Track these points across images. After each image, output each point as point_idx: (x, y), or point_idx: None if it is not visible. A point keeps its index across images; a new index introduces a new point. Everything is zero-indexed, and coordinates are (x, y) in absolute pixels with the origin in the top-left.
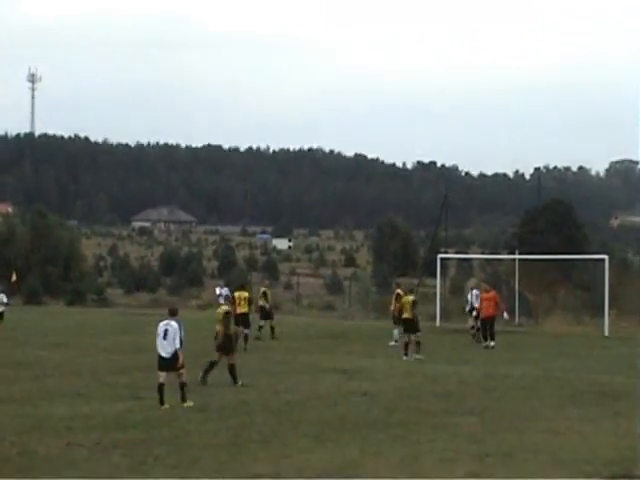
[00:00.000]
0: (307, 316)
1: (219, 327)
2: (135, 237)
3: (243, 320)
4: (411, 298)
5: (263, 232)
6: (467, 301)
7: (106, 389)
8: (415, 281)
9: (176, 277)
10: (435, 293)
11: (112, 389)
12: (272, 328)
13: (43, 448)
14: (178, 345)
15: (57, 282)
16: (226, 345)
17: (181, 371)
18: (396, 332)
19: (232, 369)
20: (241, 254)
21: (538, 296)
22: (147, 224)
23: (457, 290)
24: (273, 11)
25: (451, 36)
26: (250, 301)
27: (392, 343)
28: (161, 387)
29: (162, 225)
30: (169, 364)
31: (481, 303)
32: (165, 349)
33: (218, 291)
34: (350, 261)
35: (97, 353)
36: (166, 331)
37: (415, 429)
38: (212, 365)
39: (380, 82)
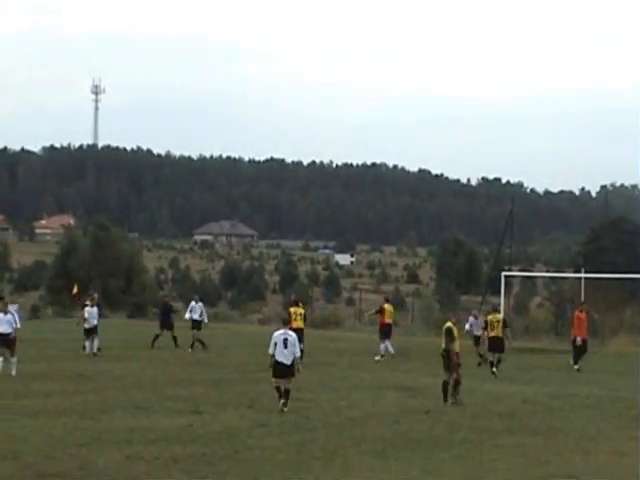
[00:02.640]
0: (369, 332)
1: (444, 344)
2: (197, 250)
3: (298, 335)
4: (500, 316)
5: (325, 247)
6: (468, 330)
7: (166, 402)
8: (478, 299)
9: (237, 291)
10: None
11: (172, 402)
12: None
13: (102, 461)
14: (298, 353)
15: (118, 295)
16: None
17: (292, 378)
18: (382, 347)
19: (456, 385)
20: (303, 269)
21: (604, 315)
22: (209, 237)
23: (521, 308)
24: (333, 28)
25: (515, 50)
26: (305, 317)
27: (377, 358)
28: (279, 389)
29: (224, 239)
30: (287, 372)
31: (580, 324)
32: (286, 357)
33: (191, 306)
34: (413, 277)
35: (157, 366)
36: (286, 340)
37: (478, 448)
38: (445, 384)
39: (446, 98)
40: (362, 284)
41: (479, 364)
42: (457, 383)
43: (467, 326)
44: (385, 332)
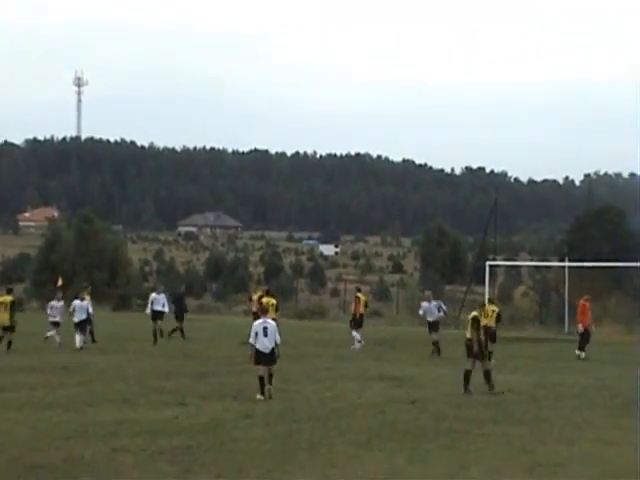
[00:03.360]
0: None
1: (469, 334)
2: (181, 242)
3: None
4: (495, 309)
5: (310, 238)
6: (421, 315)
7: (152, 395)
8: (463, 288)
9: (222, 283)
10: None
11: (158, 395)
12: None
13: (89, 454)
14: (279, 341)
15: (103, 287)
16: (478, 352)
17: (274, 366)
18: (356, 335)
19: (487, 375)
20: (287, 260)
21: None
22: (193, 229)
23: (506, 297)
24: (316, 17)
25: (499, 38)
26: (277, 307)
27: (355, 346)
28: (262, 379)
29: (208, 230)
30: (269, 359)
31: (584, 312)
32: (267, 345)
33: (152, 297)
34: (397, 268)
35: (143, 358)
36: (265, 328)
37: (464, 438)
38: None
39: (430, 87)
40: (347, 274)
41: (432, 352)
42: (487, 372)
43: (420, 311)
44: (358, 322)
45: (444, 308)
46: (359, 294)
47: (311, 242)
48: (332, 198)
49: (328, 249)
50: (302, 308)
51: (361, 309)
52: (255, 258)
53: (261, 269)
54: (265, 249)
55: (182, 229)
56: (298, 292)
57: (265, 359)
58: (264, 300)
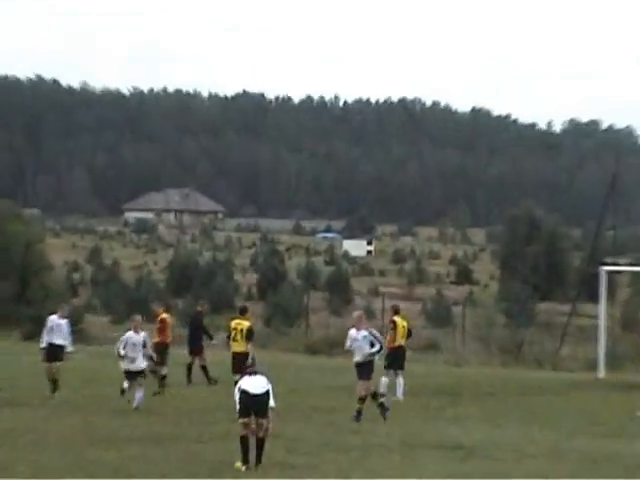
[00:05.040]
0: None
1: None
2: (129, 236)
3: (237, 363)
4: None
5: (328, 230)
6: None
7: (88, 467)
8: (566, 307)
9: (192, 298)
10: (597, 326)
11: (94, 468)
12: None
13: None
14: (273, 403)
15: (8, 305)
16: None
17: (266, 421)
18: (385, 381)
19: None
20: (294, 263)
21: None
22: (148, 215)
23: (632, 322)
24: None
25: None
26: (250, 333)
27: (398, 396)
28: (246, 441)
29: (171, 217)
30: (260, 405)
31: None
32: (256, 385)
33: (50, 323)
34: (464, 276)
35: (71, 414)
36: (255, 373)
37: None
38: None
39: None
40: (385, 286)
41: (381, 413)
42: None
43: (347, 343)
44: (395, 358)
45: (379, 339)
46: (396, 317)
47: (330, 236)
48: (362, 168)
49: (357, 247)
50: (316, 338)
51: (399, 340)
52: (244, 260)
53: (253, 277)
54: (260, 246)
55: (131, 215)
56: (310, 313)
57: (254, 405)
58: (232, 324)
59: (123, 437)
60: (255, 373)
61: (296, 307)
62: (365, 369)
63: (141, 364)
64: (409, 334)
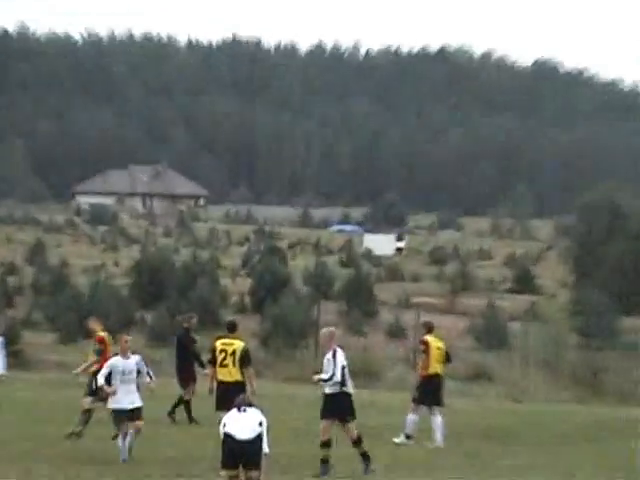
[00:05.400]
0: None
1: None
2: (82, 227)
3: (224, 397)
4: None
5: (345, 221)
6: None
7: None
8: None
9: (165, 312)
10: None
11: None
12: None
13: None
14: (267, 449)
15: None
16: None
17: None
18: (412, 419)
19: None
20: (299, 264)
21: None
22: (107, 201)
23: None
24: None
25: None
26: (246, 358)
27: (399, 440)
28: None
29: (138, 203)
30: (248, 454)
31: None
32: (245, 429)
33: None
34: (524, 281)
35: (4, 463)
36: (245, 409)
37: None
38: None
39: None
40: (421, 295)
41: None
42: None
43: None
44: (429, 391)
45: (332, 363)
46: (429, 336)
47: (348, 229)
48: (390, 140)
49: (382, 243)
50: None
51: (434, 366)
52: (234, 260)
53: (245, 283)
54: (254, 242)
55: (84, 200)
56: (320, 329)
57: (242, 454)
58: (217, 345)
59: None
60: (245, 409)
61: (302, 322)
62: (329, 404)
63: (136, 400)
64: (447, 359)
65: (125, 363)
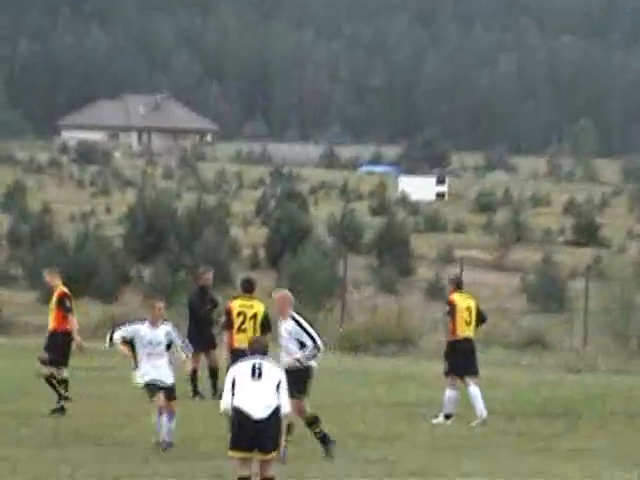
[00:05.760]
0: (485, 365)
1: None
2: (68, 167)
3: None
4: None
5: (376, 161)
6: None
7: None
8: None
9: (164, 264)
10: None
11: None
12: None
13: None
14: (286, 409)
15: None
16: None
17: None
18: (450, 395)
19: None
20: (323, 212)
21: None
22: (97, 136)
23: None
24: None
25: None
26: (267, 323)
27: (437, 420)
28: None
29: (133, 139)
30: (262, 436)
31: None
32: (255, 406)
33: None
34: (587, 232)
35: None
36: (258, 369)
37: None
38: None
39: None
40: (465, 248)
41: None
42: None
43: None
44: (458, 358)
45: (310, 332)
46: (456, 295)
47: (380, 169)
48: (429, 65)
49: (420, 186)
50: (357, 327)
51: (463, 329)
52: (247, 207)
53: (260, 233)
54: (270, 185)
55: (71, 136)
56: (347, 290)
57: (254, 436)
58: (234, 307)
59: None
60: (260, 371)
61: (327, 280)
62: (296, 381)
63: (166, 378)
64: (481, 319)
65: (154, 333)
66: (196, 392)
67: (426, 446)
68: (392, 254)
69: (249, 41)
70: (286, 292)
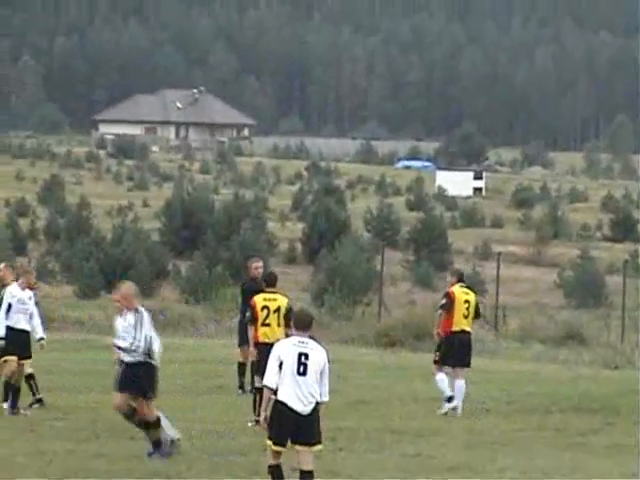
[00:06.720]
0: (521, 360)
1: None
2: (106, 162)
3: (265, 361)
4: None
5: (414, 156)
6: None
7: None
8: None
9: (202, 258)
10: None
11: None
12: None
13: None
14: (326, 396)
15: None
16: None
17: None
18: (439, 378)
19: None
20: (360, 206)
21: None
22: (135, 131)
23: None
24: None
25: None
26: (289, 317)
27: (444, 410)
28: (276, 471)
29: (171, 134)
30: (303, 429)
31: None
32: (298, 398)
33: (10, 297)
34: (625, 227)
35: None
36: (304, 358)
37: None
38: None
39: None
40: (502, 244)
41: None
42: None
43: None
44: (453, 347)
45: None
46: (456, 287)
47: (417, 165)
48: (467, 59)
49: (458, 182)
50: (394, 322)
51: (461, 321)
52: (284, 201)
53: (297, 228)
54: (308, 180)
55: (108, 130)
56: (382, 284)
57: (296, 430)
58: (259, 301)
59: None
60: (305, 368)
61: (363, 275)
62: (128, 374)
63: None
64: (476, 313)
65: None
66: (240, 386)
67: (462, 442)
68: (429, 249)
69: (286, 37)
70: (132, 284)
